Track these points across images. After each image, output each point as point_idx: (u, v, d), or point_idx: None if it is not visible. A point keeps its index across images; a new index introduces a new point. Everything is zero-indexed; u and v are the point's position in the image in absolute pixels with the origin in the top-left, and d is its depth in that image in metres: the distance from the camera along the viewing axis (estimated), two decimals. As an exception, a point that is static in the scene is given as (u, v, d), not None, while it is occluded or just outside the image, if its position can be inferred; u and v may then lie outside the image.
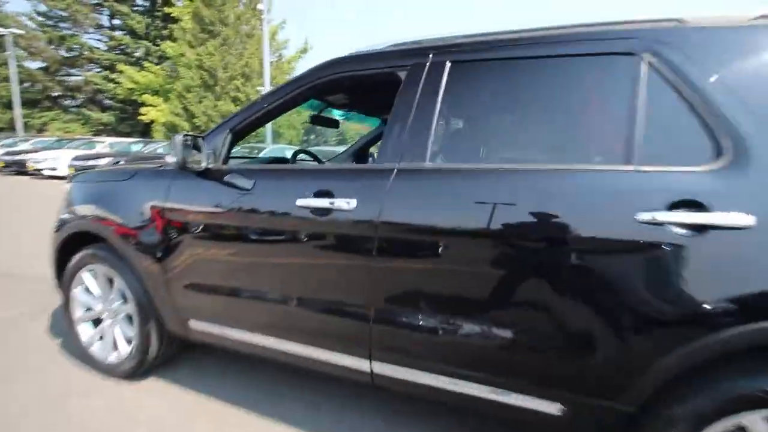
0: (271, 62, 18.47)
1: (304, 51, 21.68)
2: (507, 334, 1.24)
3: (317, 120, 2.69)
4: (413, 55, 1.50)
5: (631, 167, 1.13)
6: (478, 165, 1.33)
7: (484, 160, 1.35)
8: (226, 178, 1.67)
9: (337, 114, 2.80)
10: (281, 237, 1.56)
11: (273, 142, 16.00)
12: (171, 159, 1.70)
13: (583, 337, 1.15)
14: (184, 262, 1.76)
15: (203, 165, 1.71)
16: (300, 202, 1.48)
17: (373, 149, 3.29)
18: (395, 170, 1.38)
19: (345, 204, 1.40)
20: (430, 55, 1.46)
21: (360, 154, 3.14)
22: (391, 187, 1.37)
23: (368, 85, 2.06)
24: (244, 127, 1.80)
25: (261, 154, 11.33)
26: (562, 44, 1.30)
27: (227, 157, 1.80)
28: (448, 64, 1.42)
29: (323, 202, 1.44)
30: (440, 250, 1.29)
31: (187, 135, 1.69)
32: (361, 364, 1.47)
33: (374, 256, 1.37)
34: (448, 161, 1.37)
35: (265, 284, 1.63)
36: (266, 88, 16.64)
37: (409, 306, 1.37)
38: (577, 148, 1.27)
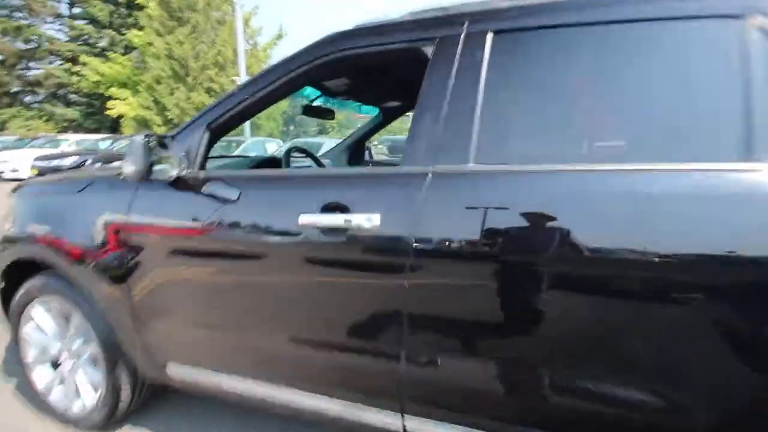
0: (246, 50, 17.61)
1: (279, 37, 20.82)
2: (597, 386, 0.95)
3: (310, 111, 2.32)
4: (442, 24, 1.17)
5: (755, 164, 0.85)
6: (540, 166, 1.01)
7: (545, 159, 1.03)
8: (206, 189, 1.32)
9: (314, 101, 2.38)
10: (281, 264, 1.23)
11: (252, 135, 15.32)
12: (129, 167, 1.33)
13: (702, 391, 0.87)
14: (155, 294, 1.41)
15: (174, 173, 1.35)
16: (304, 218, 1.15)
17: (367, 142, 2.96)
18: (430, 174, 1.07)
19: (365, 221, 1.08)
20: (466, 24, 1.13)
21: (355, 148, 2.79)
22: (427, 197, 1.05)
23: (373, 66, 1.72)
24: (224, 123, 1.43)
25: (240, 149, 10.73)
26: (640, 4, 1.01)
27: (204, 161, 1.44)
28: (491, 35, 1.10)
29: (335, 219, 1.11)
30: (497, 278, 0.99)
31: (149, 135, 1.33)
32: (391, 420, 1.17)
33: (406, 286, 1.06)
34: (500, 161, 1.05)
35: (264, 323, 1.30)
36: (242, 77, 15.88)
37: (453, 348, 1.07)
38: (671, 140, 0.98)
